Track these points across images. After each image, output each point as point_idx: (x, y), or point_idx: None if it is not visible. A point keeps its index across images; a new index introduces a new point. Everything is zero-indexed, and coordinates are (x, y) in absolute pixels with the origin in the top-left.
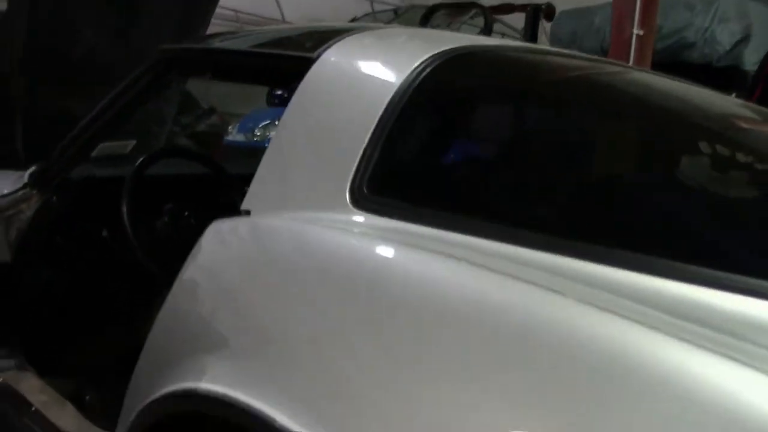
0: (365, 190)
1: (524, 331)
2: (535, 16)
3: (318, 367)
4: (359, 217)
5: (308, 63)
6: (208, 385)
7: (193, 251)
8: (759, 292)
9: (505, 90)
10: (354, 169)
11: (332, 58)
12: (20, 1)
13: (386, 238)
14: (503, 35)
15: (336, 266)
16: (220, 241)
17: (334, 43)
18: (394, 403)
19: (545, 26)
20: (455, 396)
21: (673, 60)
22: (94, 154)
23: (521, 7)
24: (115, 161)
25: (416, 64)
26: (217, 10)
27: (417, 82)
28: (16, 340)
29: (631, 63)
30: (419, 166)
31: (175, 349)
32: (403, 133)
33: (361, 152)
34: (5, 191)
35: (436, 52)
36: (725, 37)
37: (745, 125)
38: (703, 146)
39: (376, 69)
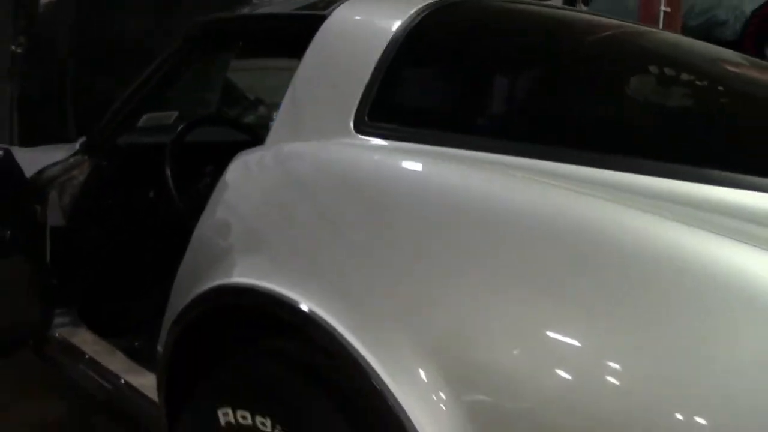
0: (366, 119)
1: (512, 216)
2: None
3: (332, 256)
4: (361, 141)
5: (321, 20)
6: (236, 279)
7: (223, 177)
8: None
9: (487, 28)
10: (358, 101)
11: (341, 13)
12: None
13: (387, 152)
14: None
15: (351, 174)
16: (247, 167)
17: (344, 1)
18: (398, 283)
19: (582, 8)
20: (461, 283)
21: (706, 37)
22: (140, 124)
23: None
24: (160, 131)
25: (412, 12)
26: None
27: (411, 25)
28: (70, 298)
29: None
30: (413, 97)
31: (206, 261)
32: (399, 70)
33: (363, 87)
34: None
35: (430, 1)
36: None
37: (728, 66)
38: (694, 76)
39: (377, 18)
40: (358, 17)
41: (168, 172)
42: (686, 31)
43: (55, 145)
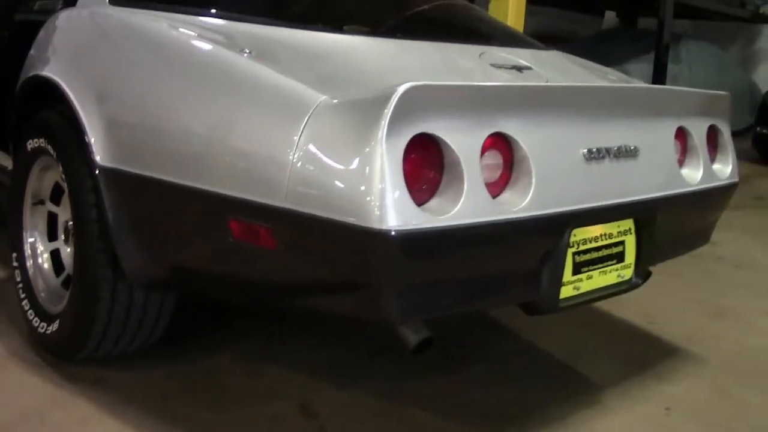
0: None
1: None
2: None
3: (90, 64)
4: (118, 10)
5: None
6: (42, 72)
7: (51, 20)
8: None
9: None
10: None
11: None
12: None
13: (124, 13)
14: None
15: (103, 23)
16: (69, 17)
17: None
18: (98, 74)
19: None
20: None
21: None
22: (35, 8)
23: None
24: (47, 12)
25: None
26: None
27: None
28: None
29: None
30: None
31: (32, 65)
32: None
33: None
34: None
35: None
36: None
37: None
38: None
39: None
40: None
41: None
42: None
43: None
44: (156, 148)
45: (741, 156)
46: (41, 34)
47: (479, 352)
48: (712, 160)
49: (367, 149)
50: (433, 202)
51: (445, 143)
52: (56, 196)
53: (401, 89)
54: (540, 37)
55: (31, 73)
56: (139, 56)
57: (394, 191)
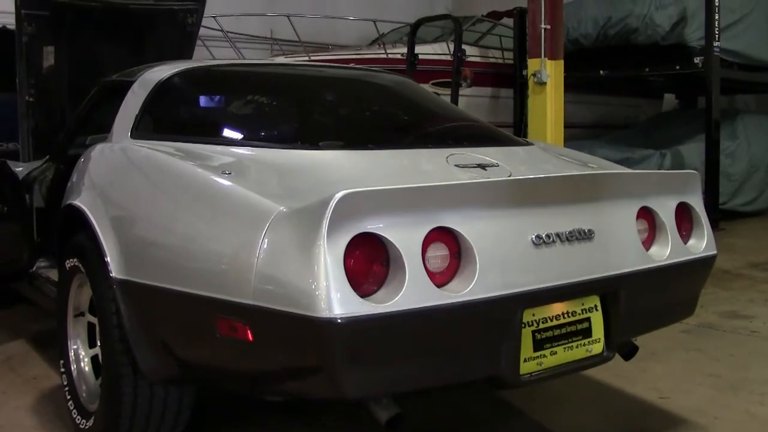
0: (136, 132)
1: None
2: (522, 18)
3: (120, 202)
4: (134, 143)
5: (133, 82)
6: (74, 201)
7: (88, 152)
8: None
9: (196, 83)
10: (132, 124)
11: (141, 77)
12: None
13: (144, 147)
14: (501, 36)
15: (129, 155)
16: (102, 150)
17: (144, 70)
18: (162, 218)
19: None
20: (183, 213)
21: (626, 43)
22: (87, 142)
23: (507, 13)
24: None
25: (165, 74)
26: None
27: (162, 81)
28: (51, 251)
29: (542, 52)
30: (160, 120)
31: (70, 194)
32: (153, 110)
33: (134, 118)
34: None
35: (175, 71)
36: (664, 20)
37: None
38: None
39: (151, 78)
40: (144, 79)
41: None
42: (607, 38)
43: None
44: (156, 259)
45: None
46: (78, 164)
47: (486, 430)
48: (686, 235)
49: (313, 250)
50: (380, 293)
51: (387, 240)
52: (93, 309)
53: (337, 197)
54: (600, 125)
55: (67, 202)
56: (143, 183)
57: (337, 284)
